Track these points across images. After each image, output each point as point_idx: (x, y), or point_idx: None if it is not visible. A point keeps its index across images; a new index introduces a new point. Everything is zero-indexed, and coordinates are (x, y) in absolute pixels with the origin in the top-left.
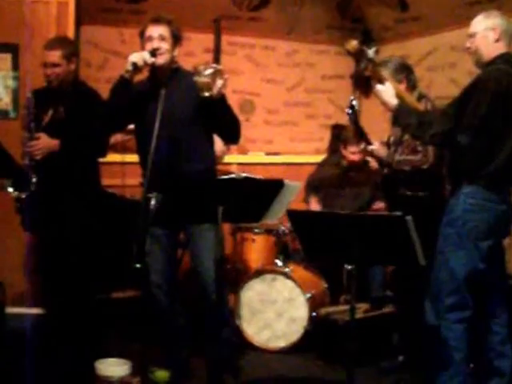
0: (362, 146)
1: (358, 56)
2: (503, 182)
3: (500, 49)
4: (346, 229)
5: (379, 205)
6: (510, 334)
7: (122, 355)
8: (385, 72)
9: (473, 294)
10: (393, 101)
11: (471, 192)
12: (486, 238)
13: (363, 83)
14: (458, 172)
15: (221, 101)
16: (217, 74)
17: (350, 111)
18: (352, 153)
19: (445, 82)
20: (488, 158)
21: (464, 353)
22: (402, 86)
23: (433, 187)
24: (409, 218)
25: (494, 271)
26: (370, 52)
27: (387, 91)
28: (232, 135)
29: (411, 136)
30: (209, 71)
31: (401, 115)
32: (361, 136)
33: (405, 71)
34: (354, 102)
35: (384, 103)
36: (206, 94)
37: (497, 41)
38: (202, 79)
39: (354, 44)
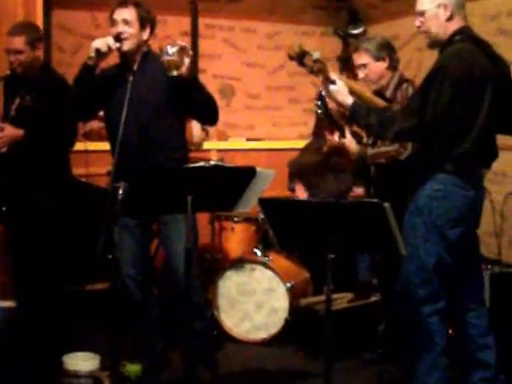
0: (336, 136)
1: (301, 60)
2: (472, 167)
3: (455, 25)
4: (320, 217)
5: (357, 191)
6: (491, 323)
7: (91, 349)
8: (366, 52)
9: (446, 285)
10: (348, 100)
11: (438, 178)
12: (455, 225)
13: (350, 66)
14: (425, 158)
15: (192, 80)
16: (183, 51)
17: (319, 103)
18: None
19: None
20: (455, 142)
21: (441, 345)
22: (384, 65)
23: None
24: (387, 204)
25: (467, 261)
26: (315, 54)
27: (340, 90)
28: (209, 116)
29: (373, 135)
30: (174, 49)
31: (358, 115)
32: (333, 127)
33: (387, 50)
34: (324, 93)
35: (338, 104)
36: (174, 73)
37: (449, 19)
38: (168, 58)
39: (295, 47)
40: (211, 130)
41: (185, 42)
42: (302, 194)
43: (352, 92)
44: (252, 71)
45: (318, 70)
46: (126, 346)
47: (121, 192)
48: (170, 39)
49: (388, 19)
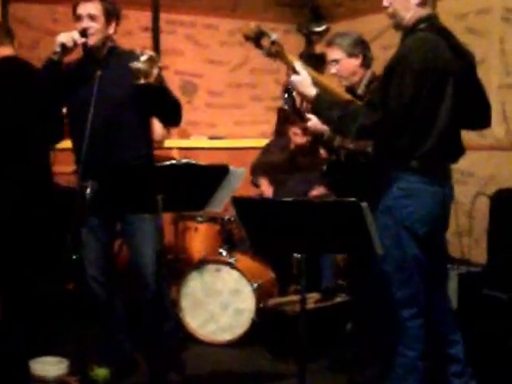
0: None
1: (257, 41)
2: (437, 163)
3: (423, 11)
4: (295, 216)
5: (319, 190)
6: (459, 321)
7: (58, 353)
8: (339, 47)
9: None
10: (311, 91)
11: (404, 176)
12: (424, 224)
13: (315, 62)
14: (387, 155)
15: (158, 88)
16: (153, 60)
17: (287, 96)
18: (294, 134)
19: None
20: (419, 139)
21: (419, 350)
22: (357, 62)
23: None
24: (364, 204)
25: (435, 259)
26: (273, 36)
27: (303, 80)
28: (172, 119)
29: (333, 130)
30: (144, 57)
31: (320, 108)
32: (301, 119)
33: (361, 47)
34: (290, 87)
35: (301, 95)
36: (142, 82)
37: (420, 4)
38: (137, 65)
39: (251, 27)
40: (172, 128)
41: (145, 38)
42: (267, 188)
43: (317, 84)
44: (214, 68)
45: (276, 52)
46: (92, 350)
47: (89, 191)
48: (129, 35)
49: (353, 17)
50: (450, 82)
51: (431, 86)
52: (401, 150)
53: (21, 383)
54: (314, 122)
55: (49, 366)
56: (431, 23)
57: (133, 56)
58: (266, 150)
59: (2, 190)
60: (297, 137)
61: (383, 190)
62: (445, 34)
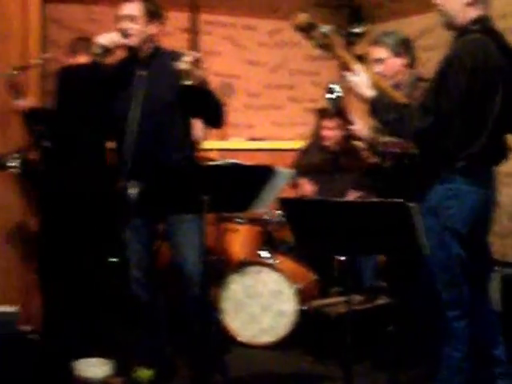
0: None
1: (309, 32)
2: (484, 165)
3: (475, 12)
4: (344, 217)
5: (354, 194)
6: (503, 325)
7: (102, 355)
8: (384, 46)
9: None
10: (368, 93)
11: (450, 177)
12: (468, 224)
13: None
14: (435, 155)
15: (201, 89)
16: (196, 61)
17: (329, 97)
18: (328, 128)
19: None
20: (468, 139)
21: (464, 351)
22: (403, 61)
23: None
24: (413, 205)
25: (480, 260)
26: (325, 28)
27: (362, 82)
28: (215, 120)
29: (390, 133)
30: (187, 58)
31: (378, 110)
32: (345, 121)
33: (407, 47)
34: (334, 86)
35: (358, 96)
36: (186, 83)
37: (470, 4)
38: (180, 66)
39: (302, 17)
40: (211, 129)
41: (184, 39)
42: (308, 187)
43: (374, 85)
44: (252, 69)
45: (326, 45)
46: (136, 351)
47: (133, 192)
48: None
49: (393, 18)
50: (499, 84)
51: (482, 88)
52: (448, 150)
53: None
54: (359, 126)
55: (93, 367)
56: (483, 25)
57: (176, 56)
58: (304, 151)
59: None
60: (325, 130)
61: (428, 191)
62: (496, 36)
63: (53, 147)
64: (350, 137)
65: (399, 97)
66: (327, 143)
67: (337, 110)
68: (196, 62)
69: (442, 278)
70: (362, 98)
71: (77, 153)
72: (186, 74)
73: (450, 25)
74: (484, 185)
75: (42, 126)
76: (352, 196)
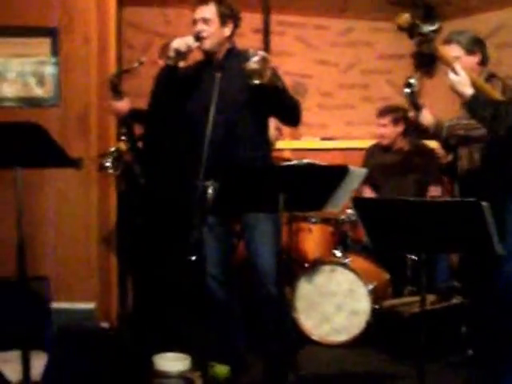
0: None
1: (411, 31)
2: None
3: None
4: (416, 216)
5: (436, 190)
6: None
7: (180, 350)
8: (458, 44)
9: None
10: (468, 91)
11: None
12: None
13: (426, 62)
14: None
15: (274, 88)
16: (265, 60)
17: (408, 90)
18: (382, 125)
19: None
20: None
21: None
22: (475, 59)
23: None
24: (485, 204)
25: None
26: (425, 27)
27: (462, 81)
28: (291, 119)
29: (486, 128)
30: (256, 58)
31: (476, 107)
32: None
33: (479, 45)
34: (412, 81)
35: (458, 94)
36: (256, 82)
37: None
38: (250, 66)
39: (405, 17)
40: (284, 129)
41: (256, 39)
42: (370, 194)
43: (472, 83)
44: (324, 69)
45: (428, 44)
46: (213, 347)
47: (210, 191)
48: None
49: (463, 15)
50: None
51: None
52: None
53: (144, 378)
54: (425, 112)
55: (172, 361)
56: None
57: (246, 56)
58: (368, 154)
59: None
60: (380, 128)
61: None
62: None
63: (145, 148)
64: (417, 129)
65: (496, 94)
66: (384, 141)
67: (414, 104)
68: (264, 61)
69: None
70: (462, 96)
71: (162, 154)
72: (256, 73)
73: None
74: None
75: (142, 126)
76: (433, 192)
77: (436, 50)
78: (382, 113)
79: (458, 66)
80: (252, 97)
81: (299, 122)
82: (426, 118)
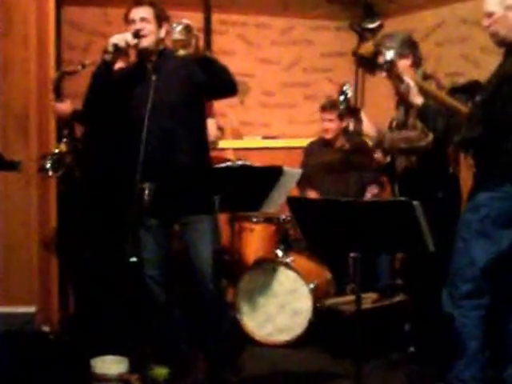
0: (351, 124)
1: (373, 60)
2: None
3: None
4: (350, 216)
5: (372, 190)
6: None
7: (117, 352)
8: (390, 45)
9: (492, 281)
10: (417, 100)
11: (497, 178)
12: (510, 226)
13: (366, 61)
14: (487, 165)
15: (202, 59)
16: (188, 29)
17: (342, 98)
18: (329, 120)
19: (455, 58)
20: None
21: (480, 341)
22: (407, 62)
23: (435, 166)
24: (416, 203)
25: None
26: (388, 54)
27: (411, 90)
28: (227, 88)
29: (438, 139)
30: (179, 27)
31: (426, 117)
32: (352, 113)
33: (411, 47)
34: (346, 88)
35: (409, 103)
36: (181, 53)
37: None
38: (173, 37)
39: (367, 47)
40: (226, 128)
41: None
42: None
43: (423, 91)
44: (266, 67)
45: (390, 69)
46: (151, 349)
47: (147, 193)
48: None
49: (405, 13)
50: None
51: None
52: (502, 163)
53: (82, 381)
54: (367, 125)
55: (110, 364)
56: None
57: (183, 60)
58: (308, 152)
59: None
60: (326, 122)
61: (473, 190)
62: None
63: (84, 149)
64: (359, 134)
65: (449, 100)
66: (327, 136)
67: (348, 109)
68: (187, 30)
69: (467, 271)
70: (412, 105)
71: (100, 155)
72: (180, 43)
73: (502, 43)
74: None
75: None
76: (371, 191)
77: (398, 72)
78: (329, 107)
79: (406, 76)
80: (188, 96)
81: (236, 91)
82: (367, 128)
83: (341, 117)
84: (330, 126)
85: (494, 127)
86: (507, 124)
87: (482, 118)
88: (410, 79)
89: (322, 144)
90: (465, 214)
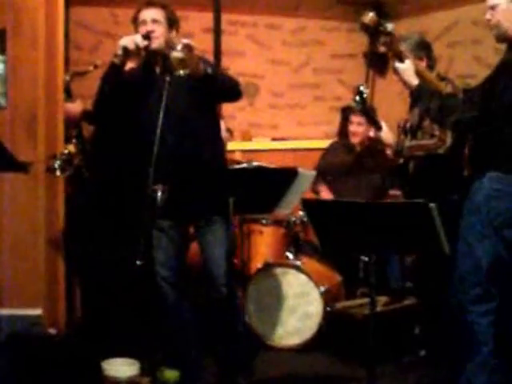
0: (372, 131)
1: (375, 30)
2: None
3: None
4: (365, 218)
5: (396, 192)
6: None
7: (129, 354)
8: (404, 48)
9: (499, 284)
10: (413, 80)
11: (497, 177)
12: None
13: (378, 62)
14: (483, 156)
15: (204, 76)
16: (188, 48)
17: (358, 98)
18: (357, 123)
19: (467, 60)
20: None
21: (490, 346)
22: (423, 64)
23: (451, 174)
24: (433, 205)
25: None
26: (389, 26)
27: (408, 69)
28: (232, 97)
29: (431, 120)
30: (179, 46)
31: (421, 97)
32: (372, 122)
33: (426, 48)
34: (362, 88)
35: (404, 82)
36: (181, 73)
37: None
38: (173, 55)
39: (370, 16)
40: (235, 130)
41: (207, 39)
42: (327, 195)
43: (418, 73)
44: (276, 69)
45: (391, 42)
46: (162, 351)
47: (160, 194)
48: (191, 37)
49: (417, 14)
50: None
51: None
52: (498, 152)
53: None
54: (385, 131)
55: (120, 366)
56: None
57: (169, 48)
58: (327, 152)
59: None
60: (353, 126)
61: (473, 190)
62: None
63: (93, 150)
64: (376, 142)
65: (443, 87)
66: (355, 140)
67: (364, 111)
68: (187, 49)
69: (474, 275)
70: (407, 85)
71: (111, 156)
72: (179, 62)
73: (501, 36)
74: None
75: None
76: (394, 193)
77: (398, 47)
78: (356, 111)
79: (405, 54)
80: (202, 97)
81: (240, 96)
82: (388, 138)
83: (369, 122)
84: (359, 129)
85: (489, 114)
86: (503, 114)
87: (478, 102)
88: (408, 58)
89: (342, 145)
90: (466, 216)
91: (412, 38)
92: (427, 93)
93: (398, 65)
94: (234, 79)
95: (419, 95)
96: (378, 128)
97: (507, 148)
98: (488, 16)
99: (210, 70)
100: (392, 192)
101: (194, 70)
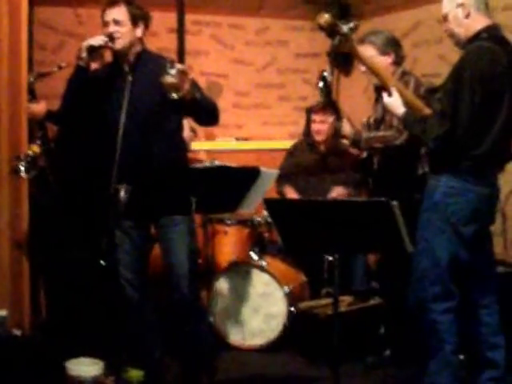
0: (332, 119)
1: (331, 31)
2: (489, 166)
3: (478, 22)
4: (327, 216)
5: (337, 190)
6: (502, 323)
7: (93, 355)
8: (371, 45)
9: (459, 282)
10: (400, 111)
11: (453, 175)
12: (469, 222)
13: (342, 61)
14: (440, 155)
15: (192, 100)
16: (183, 73)
17: (322, 84)
18: (320, 121)
19: (431, 59)
20: (475, 142)
21: (453, 344)
22: (388, 60)
23: (408, 166)
24: (394, 203)
25: (480, 258)
26: (345, 27)
27: (396, 100)
28: (209, 122)
29: (424, 145)
30: (174, 71)
31: (407, 124)
32: (334, 110)
33: (394, 45)
34: (326, 74)
35: (392, 113)
36: (174, 96)
37: (467, 16)
38: (167, 80)
39: (325, 18)
40: (199, 129)
41: (171, 39)
42: (292, 196)
43: (405, 102)
44: (240, 68)
45: (347, 43)
46: (126, 351)
47: (123, 194)
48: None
49: (382, 14)
50: (506, 90)
51: (489, 94)
52: (456, 152)
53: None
54: (344, 123)
55: (84, 366)
56: (491, 33)
57: (159, 62)
58: (291, 152)
59: None
60: (316, 124)
61: (430, 188)
62: (503, 44)
63: (57, 150)
64: (335, 134)
65: (423, 107)
66: (319, 138)
67: (328, 99)
68: (182, 74)
69: (433, 272)
70: (395, 115)
71: (75, 156)
72: (172, 87)
73: (459, 42)
74: (487, 183)
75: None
76: (336, 192)
77: (355, 51)
78: (318, 109)
79: (393, 89)
80: (165, 99)
81: (217, 123)
82: (346, 128)
83: (330, 109)
84: (322, 127)
85: (460, 121)
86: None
87: (448, 112)
88: (395, 91)
89: (306, 145)
90: (423, 213)
91: (381, 34)
92: (411, 120)
93: (386, 100)
94: (216, 106)
95: (405, 122)
96: (339, 118)
97: (465, 149)
98: (444, 28)
99: (198, 96)
100: (335, 190)
101: (186, 94)
